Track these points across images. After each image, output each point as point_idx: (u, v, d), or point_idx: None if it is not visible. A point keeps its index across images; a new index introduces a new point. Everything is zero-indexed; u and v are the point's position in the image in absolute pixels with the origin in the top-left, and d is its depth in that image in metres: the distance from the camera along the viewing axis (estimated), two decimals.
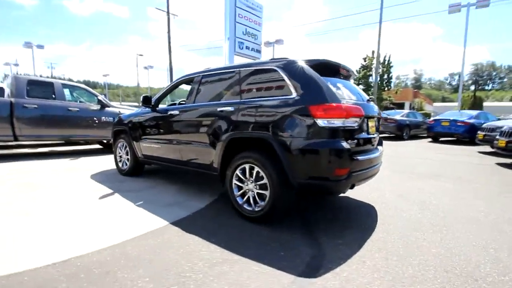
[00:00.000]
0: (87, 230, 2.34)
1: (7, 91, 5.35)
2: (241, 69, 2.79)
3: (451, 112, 12.88)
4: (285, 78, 2.40)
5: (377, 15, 16.98)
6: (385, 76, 26.51)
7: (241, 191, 2.61)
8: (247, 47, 15.72)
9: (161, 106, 3.80)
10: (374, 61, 23.09)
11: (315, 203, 3.17)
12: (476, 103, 24.48)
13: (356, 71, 25.22)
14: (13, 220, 2.49)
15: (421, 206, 3.13)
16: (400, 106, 28.24)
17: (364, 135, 2.48)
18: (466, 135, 10.22)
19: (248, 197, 2.56)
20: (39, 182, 3.75)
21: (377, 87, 19.92)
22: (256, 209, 2.49)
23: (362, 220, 2.75)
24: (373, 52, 24.81)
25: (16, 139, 5.29)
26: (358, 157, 2.29)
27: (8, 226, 2.36)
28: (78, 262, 1.82)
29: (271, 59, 2.66)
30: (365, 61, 25.92)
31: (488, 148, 8.42)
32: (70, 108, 5.85)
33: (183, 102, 3.88)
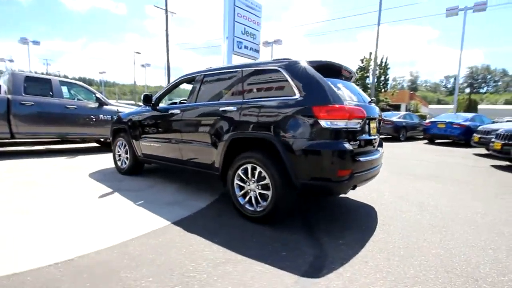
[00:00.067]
0: (89, 229, 2.32)
1: (4, 87, 5.27)
2: (243, 69, 2.79)
3: (447, 114, 13.02)
4: (288, 78, 2.41)
5: (374, 17, 17.09)
6: (382, 78, 26.71)
7: (243, 191, 2.62)
8: (245, 47, 15.71)
9: (161, 105, 3.78)
10: (371, 63, 23.26)
11: (315, 204, 3.19)
12: (471, 106, 24.78)
13: None
14: (13, 219, 2.46)
15: (420, 207, 3.16)
16: (396, 107, 28.47)
17: (366, 136, 2.50)
18: (462, 138, 10.34)
19: (250, 197, 2.56)
20: (38, 181, 3.71)
21: (374, 88, 20.04)
22: (258, 209, 2.49)
23: (362, 220, 2.77)
24: (370, 53, 24.98)
25: (12, 137, 5.23)
26: (360, 158, 2.31)
27: (8, 225, 2.34)
28: (80, 262, 1.81)
29: (274, 60, 2.67)
30: (362, 62, 26.08)
31: (483, 151, 8.54)
32: (67, 106, 5.80)
33: (184, 101, 3.87)
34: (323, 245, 2.18)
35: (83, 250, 1.95)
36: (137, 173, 4.25)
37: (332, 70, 2.63)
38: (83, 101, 6.25)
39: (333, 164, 2.16)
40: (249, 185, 2.56)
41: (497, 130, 6.43)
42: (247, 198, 2.59)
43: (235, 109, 2.66)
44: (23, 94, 5.22)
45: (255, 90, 2.68)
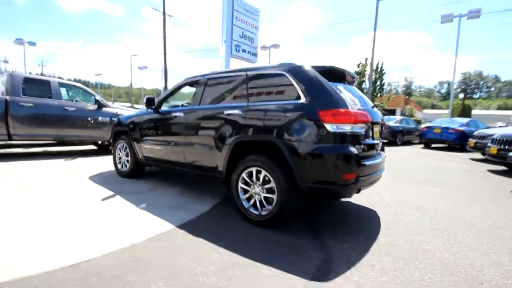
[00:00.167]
0: (93, 233, 2.30)
1: (1, 88, 5.22)
2: (248, 72, 2.81)
3: (443, 119, 13.22)
4: (294, 82, 2.44)
5: (368, 23, 17.36)
6: (378, 83, 27.00)
7: (247, 195, 2.62)
8: (243, 50, 15.79)
9: (163, 108, 3.78)
10: (367, 68, 23.53)
11: (318, 207, 3.20)
12: (465, 111, 25.17)
13: None
14: (15, 222, 2.43)
15: (421, 211, 3.20)
16: (392, 112, 28.79)
17: (369, 140, 2.53)
18: (457, 142, 10.49)
19: (255, 200, 2.57)
20: (37, 183, 3.67)
21: (370, 93, 20.26)
22: (263, 213, 2.50)
23: (365, 224, 2.80)
24: (366, 59, 25.27)
25: (10, 139, 5.16)
26: (365, 162, 2.34)
27: (11, 228, 2.31)
28: (87, 266, 1.80)
29: (279, 64, 2.69)
30: (358, 67, 26.35)
31: (478, 155, 8.67)
32: (66, 108, 5.75)
33: (186, 104, 3.88)
34: (329, 249, 2.19)
35: (89, 254, 1.93)
36: (138, 176, 4.23)
37: (335, 74, 2.66)
38: (82, 103, 6.21)
39: (339, 167, 2.19)
40: (253, 188, 2.57)
41: (492, 135, 6.54)
42: (251, 202, 2.60)
43: (240, 113, 2.67)
44: (22, 96, 5.17)
45: (259, 94, 2.70)
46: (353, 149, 2.23)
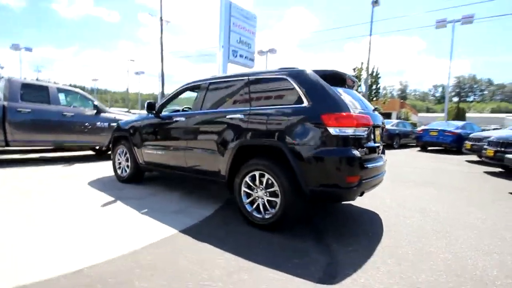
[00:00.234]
0: (95, 238, 2.28)
1: None
2: (250, 77, 2.83)
3: (439, 122, 13.36)
4: (296, 87, 2.46)
5: (362, 28, 17.61)
6: (374, 87, 27.29)
7: (250, 199, 2.62)
8: (240, 56, 15.91)
9: (163, 112, 3.78)
10: (363, 72, 23.80)
11: (320, 210, 3.21)
12: (459, 114, 25.51)
13: None
14: (15, 229, 2.40)
15: (421, 213, 3.22)
16: (388, 116, 29.01)
17: (371, 143, 2.56)
18: (454, 145, 10.60)
19: (258, 204, 2.57)
20: (37, 189, 3.62)
21: (367, 97, 20.45)
22: (266, 217, 2.50)
23: (368, 227, 2.80)
24: (362, 63, 25.57)
25: (7, 145, 5.11)
26: (368, 165, 2.36)
27: (12, 235, 2.28)
28: (91, 273, 1.77)
29: (280, 68, 2.72)
30: (354, 71, 26.63)
31: (475, 157, 8.76)
32: (64, 113, 5.72)
33: (187, 109, 3.88)
34: (333, 252, 2.19)
35: (92, 260, 1.91)
36: (138, 181, 4.20)
37: (337, 78, 2.69)
38: (80, 108, 6.18)
39: (342, 170, 2.20)
40: (257, 192, 2.57)
41: (488, 137, 6.63)
42: (254, 206, 2.59)
43: (243, 117, 2.68)
44: (20, 101, 5.14)
45: (262, 98, 2.72)
46: (356, 152, 2.25)
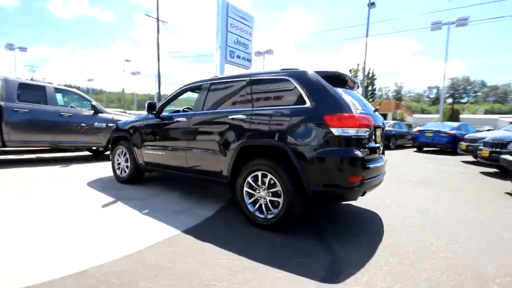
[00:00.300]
0: (98, 239, 2.27)
1: None
2: (251, 77, 2.84)
3: (434, 123, 13.52)
4: (298, 87, 2.48)
5: (359, 30, 17.76)
6: (369, 88, 27.53)
7: (253, 199, 2.63)
8: (238, 56, 15.93)
9: (164, 113, 3.78)
10: (359, 73, 24.00)
11: (321, 210, 3.23)
12: (454, 115, 25.82)
13: None
14: (18, 230, 2.38)
15: (421, 213, 3.26)
16: (383, 117, 29.07)
17: (372, 144, 2.58)
18: (449, 146, 10.73)
19: (260, 204, 2.58)
20: (36, 190, 3.59)
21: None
22: (269, 217, 2.51)
23: (369, 226, 2.83)
24: (358, 64, 25.79)
25: (3, 145, 5.05)
26: (369, 165, 2.38)
27: (14, 236, 2.26)
28: (95, 273, 1.77)
29: (282, 69, 2.73)
30: (350, 73, 26.83)
31: (470, 158, 8.88)
32: (62, 113, 5.67)
33: (187, 110, 3.88)
34: (336, 251, 2.21)
35: (96, 261, 1.90)
36: (137, 182, 4.19)
37: (338, 79, 2.71)
38: (78, 108, 6.13)
39: (345, 171, 2.23)
40: (259, 192, 2.58)
41: (483, 138, 6.73)
42: (257, 206, 2.60)
43: (245, 117, 2.69)
44: (17, 101, 5.08)
45: (264, 99, 2.73)
46: (358, 153, 2.27)
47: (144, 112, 4.06)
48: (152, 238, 2.31)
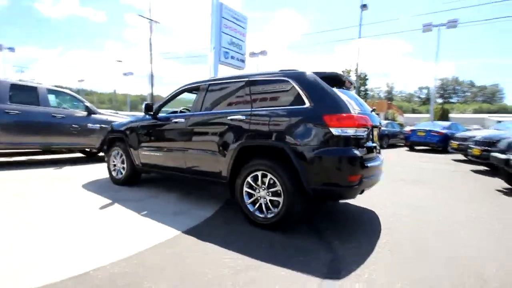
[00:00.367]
0: (97, 241, 2.25)
1: None
2: (250, 78, 2.86)
3: (426, 123, 13.78)
4: (298, 88, 2.51)
5: (350, 32, 17.98)
6: (362, 88, 27.91)
7: (252, 199, 2.64)
8: (232, 57, 15.93)
9: (161, 114, 3.76)
10: (351, 74, 24.30)
11: (319, 209, 3.26)
12: (444, 115, 26.33)
13: None
14: (16, 233, 2.33)
15: (416, 211, 3.33)
16: None
17: (370, 143, 2.63)
18: (440, 144, 10.96)
19: (260, 204, 2.60)
20: (31, 193, 3.52)
21: None
22: (269, 216, 2.53)
23: (366, 224, 2.88)
24: (350, 65, 26.11)
25: None
26: (368, 164, 2.43)
27: (13, 240, 2.22)
28: (98, 275, 1.76)
29: (281, 70, 2.76)
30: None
31: (461, 156, 9.08)
32: (54, 115, 5.57)
33: (184, 110, 3.88)
34: (335, 249, 2.25)
35: (98, 263, 1.89)
36: (134, 183, 4.15)
37: (335, 80, 2.75)
38: (71, 109, 6.04)
39: (345, 170, 2.26)
40: (259, 192, 2.60)
41: (474, 137, 6.89)
42: (257, 205, 2.62)
43: (244, 118, 2.71)
44: (8, 103, 4.98)
45: (263, 99, 2.75)
46: (357, 152, 2.31)
47: (136, 113, 4.04)
48: (152, 239, 2.31)
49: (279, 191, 2.46)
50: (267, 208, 2.56)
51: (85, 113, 6.12)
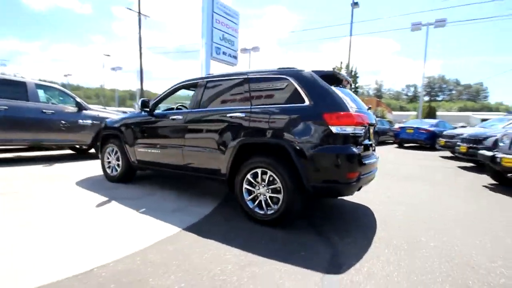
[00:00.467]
0: (98, 239, 2.24)
1: None
2: (249, 76, 2.87)
3: (414, 120, 14.12)
4: (297, 86, 2.54)
5: (340, 30, 18.12)
6: (352, 86, 28.30)
7: (252, 196, 2.68)
8: (224, 53, 15.79)
9: (157, 110, 3.73)
10: (342, 72, 24.53)
11: (316, 205, 3.33)
12: (431, 112, 27.01)
13: None
14: (14, 233, 2.28)
15: (408, 206, 3.44)
16: None
17: (367, 141, 2.70)
18: (428, 142, 11.27)
19: (260, 201, 2.63)
20: (23, 191, 3.43)
21: None
22: (269, 212, 2.57)
23: (362, 219, 2.97)
24: (341, 62, 26.35)
25: None
26: (365, 161, 2.50)
27: (12, 238, 2.17)
28: (102, 272, 1.76)
29: (280, 68, 2.78)
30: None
31: (447, 153, 9.38)
32: (44, 110, 5.43)
33: (181, 107, 3.86)
34: (335, 244, 2.31)
35: (100, 260, 1.89)
36: (129, 180, 4.11)
37: (333, 78, 2.79)
38: (61, 105, 5.89)
39: (344, 167, 2.32)
40: (258, 189, 2.63)
41: (461, 134, 7.14)
42: (256, 202, 2.65)
43: (244, 115, 2.72)
44: None
45: (262, 97, 2.77)
46: (356, 150, 2.37)
47: (125, 109, 3.98)
48: (153, 236, 2.31)
49: (278, 188, 2.50)
50: (267, 205, 2.60)
51: (75, 109, 5.98)
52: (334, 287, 1.71)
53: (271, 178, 2.55)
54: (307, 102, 2.46)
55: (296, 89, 2.55)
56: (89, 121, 6.09)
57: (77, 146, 6.81)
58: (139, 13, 23.70)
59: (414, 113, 33.21)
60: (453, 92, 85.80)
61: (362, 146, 2.54)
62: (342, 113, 2.34)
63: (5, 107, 4.91)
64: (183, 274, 1.77)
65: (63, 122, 5.70)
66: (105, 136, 4.23)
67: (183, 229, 2.50)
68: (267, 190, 2.58)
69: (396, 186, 4.58)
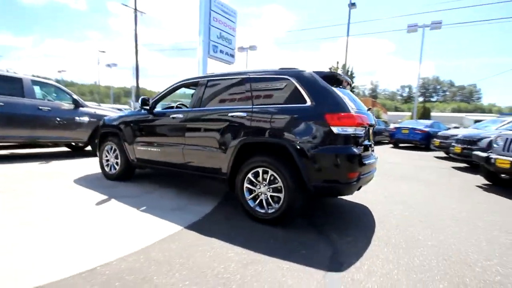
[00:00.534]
0: (100, 237, 2.24)
1: None
2: (251, 75, 2.89)
3: (409, 121, 14.29)
4: (299, 87, 2.57)
5: (337, 30, 18.22)
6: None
7: (253, 195, 2.70)
8: (221, 51, 15.74)
9: (157, 109, 3.72)
10: (339, 72, 24.68)
11: (316, 205, 3.37)
12: (425, 113, 27.31)
13: None
14: (15, 232, 2.26)
15: (405, 206, 3.50)
16: None
17: (367, 142, 2.74)
18: (423, 142, 11.42)
19: (261, 199, 2.65)
20: (21, 189, 3.40)
21: None
22: (270, 211, 2.59)
23: (361, 219, 3.01)
24: (337, 62, 26.46)
25: None
26: (365, 162, 2.53)
27: (15, 237, 2.16)
28: (106, 270, 1.76)
29: (281, 68, 2.80)
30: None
31: (442, 154, 9.52)
32: (40, 107, 5.37)
33: (181, 106, 3.85)
34: (335, 243, 2.35)
35: (103, 258, 1.89)
36: (128, 178, 4.10)
37: (334, 79, 2.82)
38: (57, 102, 5.83)
39: (344, 167, 2.36)
40: (259, 188, 2.65)
41: (455, 135, 7.25)
42: (257, 201, 2.68)
43: (245, 115, 2.74)
44: None
45: (263, 97, 2.79)
46: (356, 150, 2.41)
47: (120, 106, 3.96)
48: (155, 234, 2.32)
49: (280, 187, 2.53)
50: (268, 204, 2.62)
51: (72, 106, 5.93)
52: (336, 285, 1.75)
53: (272, 178, 2.58)
54: (308, 103, 2.48)
55: (297, 89, 2.57)
56: (86, 119, 6.05)
57: (73, 144, 6.77)
58: (135, 9, 23.47)
59: (409, 113, 33.57)
60: (447, 93, 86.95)
61: (362, 147, 2.58)
62: (343, 114, 2.38)
63: (1, 104, 4.84)
64: (187, 272, 1.78)
65: (60, 119, 5.65)
66: (104, 134, 4.21)
67: (185, 228, 2.51)
68: (268, 189, 2.61)
69: (392, 186, 4.65)
